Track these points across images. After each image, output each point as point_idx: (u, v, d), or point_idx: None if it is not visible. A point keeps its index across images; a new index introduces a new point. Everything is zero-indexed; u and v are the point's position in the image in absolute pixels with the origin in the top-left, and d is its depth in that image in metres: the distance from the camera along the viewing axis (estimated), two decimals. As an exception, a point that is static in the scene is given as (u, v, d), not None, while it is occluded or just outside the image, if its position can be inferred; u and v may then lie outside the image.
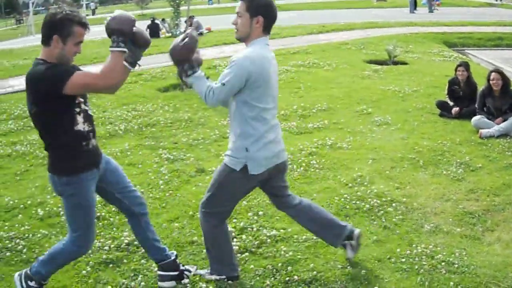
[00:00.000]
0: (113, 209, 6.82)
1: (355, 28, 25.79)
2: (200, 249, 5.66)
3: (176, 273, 5.12)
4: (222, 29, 27.75)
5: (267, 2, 4.64)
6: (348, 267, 5.25)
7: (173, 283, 5.09)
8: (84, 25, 4.39)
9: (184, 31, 15.12)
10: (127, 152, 9.28)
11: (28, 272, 4.87)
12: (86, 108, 4.60)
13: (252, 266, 5.28)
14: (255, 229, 6.01)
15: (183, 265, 5.27)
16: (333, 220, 5.32)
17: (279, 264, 5.30)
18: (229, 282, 5.06)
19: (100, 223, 6.40)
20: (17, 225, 6.69)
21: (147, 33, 4.55)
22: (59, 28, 4.29)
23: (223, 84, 4.50)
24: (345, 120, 10.59)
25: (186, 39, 4.60)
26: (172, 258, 5.13)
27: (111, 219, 6.60)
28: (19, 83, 17.15)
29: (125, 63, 4.32)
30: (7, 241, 6.25)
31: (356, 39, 21.68)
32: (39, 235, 6.39)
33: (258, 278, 5.12)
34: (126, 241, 5.98)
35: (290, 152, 8.42)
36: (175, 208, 6.79)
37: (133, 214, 4.99)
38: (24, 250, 6.04)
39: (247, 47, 4.66)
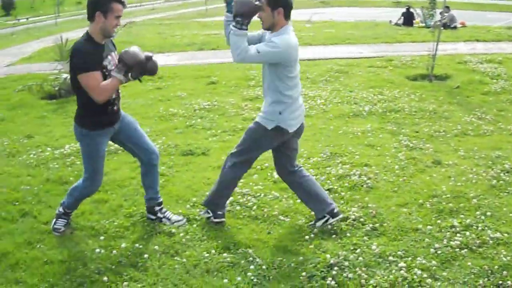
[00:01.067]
0: (346, 184, 7.09)
1: None
2: (423, 238, 5.69)
3: (153, 217, 6.26)
4: (477, 25, 26.79)
5: None
6: None
7: (152, 217, 6.27)
8: (121, 2, 5.34)
9: (439, 21, 14.93)
10: (368, 133, 9.46)
11: (61, 201, 6.15)
12: None
13: (469, 263, 5.19)
14: (479, 228, 5.88)
15: (163, 213, 6.26)
16: (323, 196, 6.09)
17: (496, 267, 5.16)
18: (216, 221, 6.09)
19: (330, 195, 6.61)
20: (251, 183, 7.23)
21: (154, 66, 5.60)
22: (101, 6, 5.27)
23: (258, 52, 5.26)
24: None
25: (258, 2, 5.26)
26: (153, 205, 6.23)
27: (342, 193, 6.83)
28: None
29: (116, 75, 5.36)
30: (239, 196, 6.79)
31: None
32: (270, 196, 6.84)
33: (472, 276, 5.03)
34: (353, 216, 6.17)
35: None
36: (406, 194, 6.83)
37: (142, 161, 6.12)
38: (254, 208, 6.54)
39: (280, 34, 5.42)
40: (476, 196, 6.67)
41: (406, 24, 27.59)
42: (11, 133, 10.43)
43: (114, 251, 5.56)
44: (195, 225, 6.09)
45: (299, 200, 6.59)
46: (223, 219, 6.15)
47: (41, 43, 25.77)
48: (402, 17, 28.37)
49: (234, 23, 5.25)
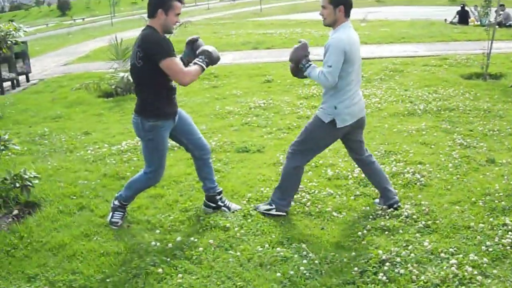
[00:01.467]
0: (399, 181, 7.13)
1: None
2: (475, 235, 5.66)
3: (214, 204, 6.41)
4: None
5: None
6: None
7: (209, 209, 6.43)
8: (181, 1, 5.68)
9: (494, 19, 14.76)
10: (423, 131, 9.44)
11: (116, 194, 6.30)
12: None
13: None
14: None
15: (223, 202, 6.48)
16: (391, 191, 6.43)
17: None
18: (277, 214, 6.26)
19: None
20: (305, 180, 7.24)
21: (217, 54, 6.02)
22: (163, 3, 5.57)
23: (330, 67, 5.63)
24: None
25: (300, 44, 5.92)
26: (213, 194, 6.40)
27: (396, 190, 6.74)
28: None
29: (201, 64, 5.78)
30: (294, 193, 6.75)
31: None
32: (324, 192, 6.88)
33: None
34: (405, 213, 6.16)
35: None
36: (459, 192, 6.79)
37: (194, 156, 6.32)
38: (308, 204, 6.59)
39: (336, 31, 5.79)
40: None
41: (461, 23, 27.34)
42: (68, 130, 10.74)
43: (170, 244, 5.68)
44: (249, 220, 6.17)
45: (353, 197, 6.70)
46: (284, 214, 6.29)
47: (97, 43, 26.30)
48: (457, 16, 28.13)
49: (301, 69, 5.91)
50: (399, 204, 6.39)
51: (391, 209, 6.29)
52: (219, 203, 6.43)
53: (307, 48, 5.92)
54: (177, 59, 5.62)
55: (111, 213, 6.24)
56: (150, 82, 5.69)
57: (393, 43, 20.87)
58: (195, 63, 5.75)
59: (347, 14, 5.80)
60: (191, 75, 5.67)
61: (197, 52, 5.88)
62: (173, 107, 5.91)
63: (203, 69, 5.77)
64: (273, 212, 6.27)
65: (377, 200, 6.53)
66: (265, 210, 6.33)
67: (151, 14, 5.63)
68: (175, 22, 5.70)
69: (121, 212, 6.24)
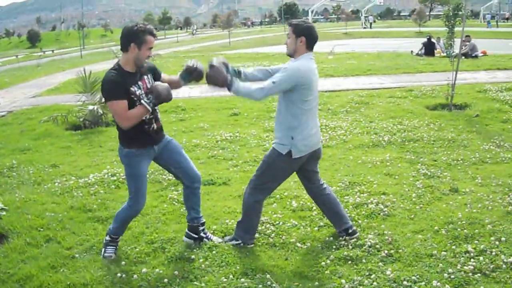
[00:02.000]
0: (363, 212, 7.20)
1: None
2: (437, 263, 5.74)
3: (196, 235, 6.40)
4: (498, 54, 26.90)
5: (309, 26, 5.93)
6: None
7: (190, 241, 6.40)
8: (154, 35, 5.74)
9: (460, 50, 15.02)
10: (387, 162, 9.57)
11: (107, 230, 6.33)
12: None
13: (482, 287, 5.29)
14: (494, 253, 5.90)
15: (205, 234, 6.48)
16: (343, 216, 6.52)
17: (509, 290, 5.23)
18: (244, 246, 6.28)
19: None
20: (270, 212, 7.34)
21: (167, 93, 5.70)
22: (136, 38, 5.60)
23: (274, 83, 5.67)
24: None
25: (214, 69, 5.73)
26: (196, 225, 6.40)
27: (359, 221, 6.93)
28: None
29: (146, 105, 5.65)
30: (258, 225, 6.82)
31: None
32: (288, 224, 6.93)
33: (487, 300, 5.12)
34: (369, 243, 6.23)
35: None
36: (422, 221, 6.89)
37: (184, 184, 6.34)
38: (272, 235, 6.65)
39: (297, 60, 5.87)
40: (491, 222, 6.71)
41: (428, 54, 27.78)
42: (36, 162, 10.71)
43: (135, 276, 5.69)
44: (214, 252, 6.18)
45: (316, 228, 6.76)
46: (252, 245, 6.35)
47: (67, 75, 26.26)
48: (424, 47, 28.54)
49: (228, 87, 5.73)
50: (353, 228, 6.52)
51: (350, 236, 6.40)
52: (202, 234, 6.44)
53: (223, 68, 5.81)
54: (121, 102, 5.57)
55: (103, 249, 6.23)
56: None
57: (359, 76, 21.15)
58: (140, 104, 5.66)
59: (309, 46, 5.90)
60: (131, 120, 5.63)
61: (148, 88, 5.80)
62: (149, 137, 5.94)
63: (147, 110, 5.67)
64: (241, 245, 6.30)
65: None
66: (235, 245, 6.34)
67: (124, 47, 5.67)
68: (148, 56, 5.74)
69: (113, 246, 6.24)
